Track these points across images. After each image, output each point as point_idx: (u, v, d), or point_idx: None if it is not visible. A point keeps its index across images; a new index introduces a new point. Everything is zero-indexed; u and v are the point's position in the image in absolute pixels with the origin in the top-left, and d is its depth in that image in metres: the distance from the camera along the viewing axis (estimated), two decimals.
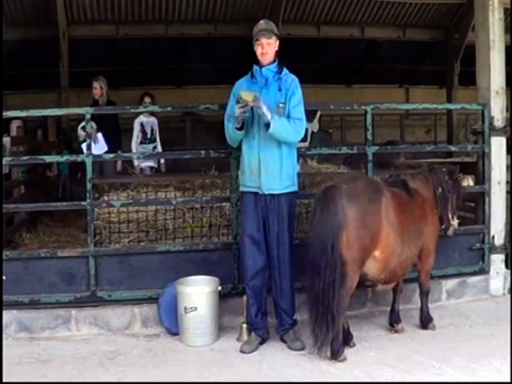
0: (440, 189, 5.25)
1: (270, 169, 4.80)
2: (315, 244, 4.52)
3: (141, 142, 8.33)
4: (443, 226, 5.35)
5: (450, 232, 5.42)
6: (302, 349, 4.85)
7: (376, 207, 4.62)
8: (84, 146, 6.99)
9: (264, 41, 4.84)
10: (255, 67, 4.93)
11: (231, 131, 4.88)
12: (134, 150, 8.09)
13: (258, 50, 4.87)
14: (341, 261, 4.45)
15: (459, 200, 5.51)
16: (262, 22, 4.95)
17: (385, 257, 4.69)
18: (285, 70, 4.92)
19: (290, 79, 4.89)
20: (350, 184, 4.65)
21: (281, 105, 4.77)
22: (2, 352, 4.56)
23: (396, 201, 4.79)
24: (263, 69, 4.88)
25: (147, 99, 8.50)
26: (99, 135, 7.17)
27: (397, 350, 4.81)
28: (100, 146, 7.10)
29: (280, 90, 4.85)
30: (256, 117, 4.78)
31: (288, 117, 4.77)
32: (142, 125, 8.34)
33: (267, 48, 4.84)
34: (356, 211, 4.50)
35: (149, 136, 8.38)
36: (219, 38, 13.14)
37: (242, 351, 4.88)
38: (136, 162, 8.02)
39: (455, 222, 5.42)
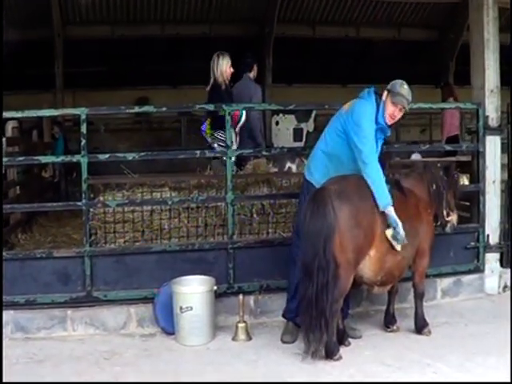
0: (434, 185, 5.10)
1: None
2: (307, 249, 4.46)
3: None
4: (439, 223, 5.24)
5: (448, 229, 5.28)
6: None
7: (369, 204, 4.55)
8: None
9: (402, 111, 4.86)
10: (382, 119, 4.82)
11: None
12: None
13: (394, 112, 4.83)
14: (334, 263, 4.40)
15: (456, 196, 5.38)
16: (407, 88, 4.82)
17: (380, 256, 4.61)
18: None
19: None
20: (339, 184, 4.56)
21: None
22: (1, 352, 4.56)
23: None
24: (384, 127, 4.86)
25: None
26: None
27: (392, 349, 4.82)
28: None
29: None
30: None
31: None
32: None
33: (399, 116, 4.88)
34: (348, 211, 4.44)
35: None
36: (214, 38, 13.15)
37: (284, 341, 4.97)
38: None
39: (451, 218, 5.25)
